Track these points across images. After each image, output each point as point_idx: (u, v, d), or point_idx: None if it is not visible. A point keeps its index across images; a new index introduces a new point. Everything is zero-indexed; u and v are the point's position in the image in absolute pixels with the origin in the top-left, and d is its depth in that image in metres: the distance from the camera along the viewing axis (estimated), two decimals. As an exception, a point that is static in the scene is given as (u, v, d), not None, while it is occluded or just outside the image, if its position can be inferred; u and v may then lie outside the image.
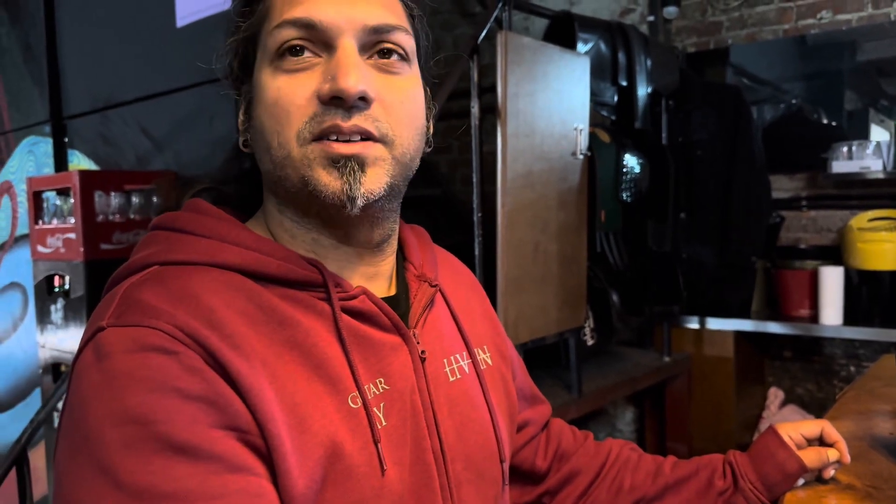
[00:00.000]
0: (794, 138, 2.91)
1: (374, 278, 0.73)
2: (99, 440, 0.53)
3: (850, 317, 2.58)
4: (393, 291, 0.75)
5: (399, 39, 0.66)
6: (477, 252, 1.79)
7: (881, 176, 2.62)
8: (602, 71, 2.20)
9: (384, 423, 0.65)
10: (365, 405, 0.64)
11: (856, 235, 2.61)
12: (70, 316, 2.43)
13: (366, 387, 0.65)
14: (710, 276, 2.57)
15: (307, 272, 0.66)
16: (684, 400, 2.67)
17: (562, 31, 2.20)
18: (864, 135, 2.82)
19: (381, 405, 0.66)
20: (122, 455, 0.52)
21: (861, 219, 2.66)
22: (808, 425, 0.93)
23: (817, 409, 2.89)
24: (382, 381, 0.67)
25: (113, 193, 2.41)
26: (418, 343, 0.71)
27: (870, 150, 2.58)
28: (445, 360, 0.75)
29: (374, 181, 0.64)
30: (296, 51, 0.63)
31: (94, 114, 3.04)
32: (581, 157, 2.00)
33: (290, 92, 0.63)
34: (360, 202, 0.63)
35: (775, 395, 2.95)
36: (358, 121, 0.62)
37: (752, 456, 0.92)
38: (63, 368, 2.51)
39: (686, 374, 2.68)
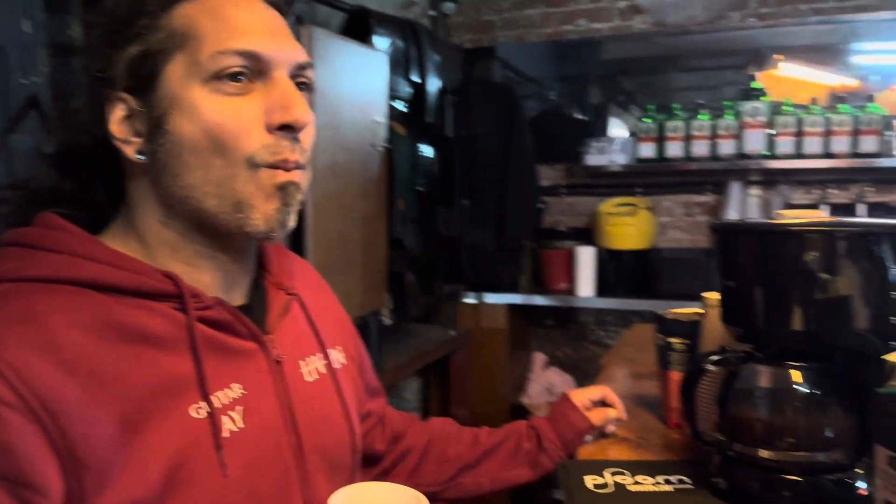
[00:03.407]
0: (553, 133, 3.25)
1: (235, 286, 0.78)
2: None
3: (601, 289, 3.00)
4: (246, 300, 0.79)
5: (311, 75, 0.74)
6: (286, 242, 1.85)
7: (619, 169, 3.04)
8: (397, 66, 2.33)
9: (240, 426, 0.70)
10: (211, 413, 0.68)
11: (605, 219, 3.03)
12: None
13: (218, 393, 0.69)
14: (488, 257, 2.84)
15: (162, 284, 0.69)
16: (466, 368, 2.94)
17: (357, 26, 2.29)
18: (605, 129, 3.24)
19: (241, 409, 0.71)
20: None
21: (608, 205, 3.09)
22: (593, 391, 1.14)
23: (573, 369, 3.32)
24: (239, 386, 0.72)
25: None
26: (274, 348, 0.77)
27: (616, 146, 3.00)
28: (301, 362, 0.82)
29: (298, 208, 0.72)
30: (236, 76, 0.68)
31: None
32: (381, 148, 2.12)
33: (237, 116, 0.68)
34: (287, 230, 0.71)
35: (539, 359, 3.34)
36: (298, 152, 0.70)
37: (550, 419, 1.11)
38: None
39: (468, 346, 2.94)
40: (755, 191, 3.00)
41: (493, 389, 3.03)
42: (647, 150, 2.96)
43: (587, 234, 3.15)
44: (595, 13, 3.22)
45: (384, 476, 1.07)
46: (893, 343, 0.83)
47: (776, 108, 2.79)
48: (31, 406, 0.58)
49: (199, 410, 0.67)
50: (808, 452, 0.86)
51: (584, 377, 3.33)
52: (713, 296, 1.06)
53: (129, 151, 0.70)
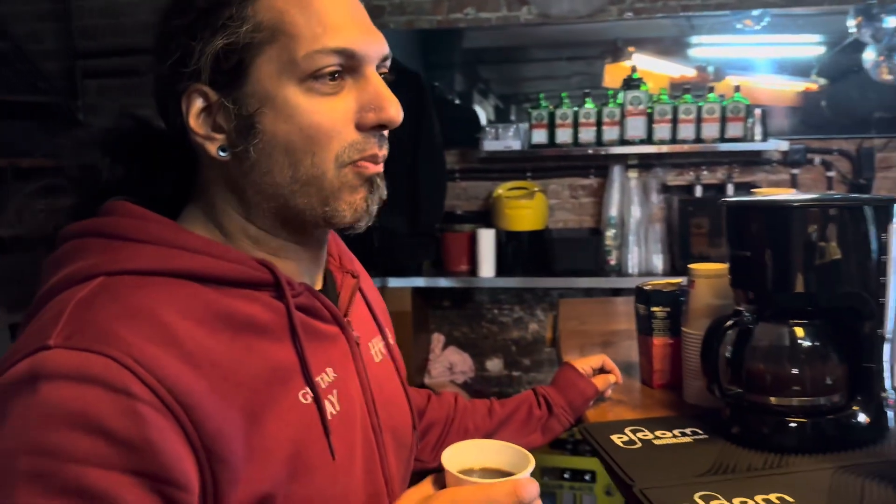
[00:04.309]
0: (442, 119, 3.31)
1: (312, 272, 0.78)
2: (8, 462, 0.54)
3: (500, 270, 3.12)
4: (321, 285, 0.80)
5: (388, 65, 0.74)
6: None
7: (496, 152, 3.16)
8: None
9: (338, 409, 0.72)
10: (316, 399, 0.69)
11: (503, 203, 3.15)
12: None
13: (317, 379, 0.70)
14: (400, 243, 2.87)
15: (260, 273, 0.69)
16: (377, 353, 2.96)
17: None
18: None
19: (335, 392, 0.72)
20: (26, 485, 0.53)
21: (504, 188, 3.22)
22: (593, 359, 1.23)
23: (471, 346, 3.44)
24: (331, 369, 0.73)
25: None
26: (353, 330, 0.79)
27: (511, 133, 3.13)
28: (370, 344, 0.84)
29: (380, 198, 0.73)
30: (333, 76, 0.67)
31: None
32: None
33: (331, 117, 0.67)
34: (371, 219, 0.72)
35: (438, 339, 3.43)
36: (385, 147, 0.72)
37: (557, 387, 1.18)
38: None
39: (378, 330, 2.96)
40: (634, 174, 3.24)
41: (399, 372, 3.07)
42: (540, 136, 3.11)
43: (483, 217, 3.26)
44: (483, 3, 3.32)
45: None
46: (882, 300, 0.99)
47: (654, 98, 3.03)
48: (166, 401, 0.57)
49: (305, 396, 0.68)
50: (812, 397, 0.99)
51: (481, 354, 3.46)
52: (700, 267, 1.18)
53: (212, 149, 0.69)
